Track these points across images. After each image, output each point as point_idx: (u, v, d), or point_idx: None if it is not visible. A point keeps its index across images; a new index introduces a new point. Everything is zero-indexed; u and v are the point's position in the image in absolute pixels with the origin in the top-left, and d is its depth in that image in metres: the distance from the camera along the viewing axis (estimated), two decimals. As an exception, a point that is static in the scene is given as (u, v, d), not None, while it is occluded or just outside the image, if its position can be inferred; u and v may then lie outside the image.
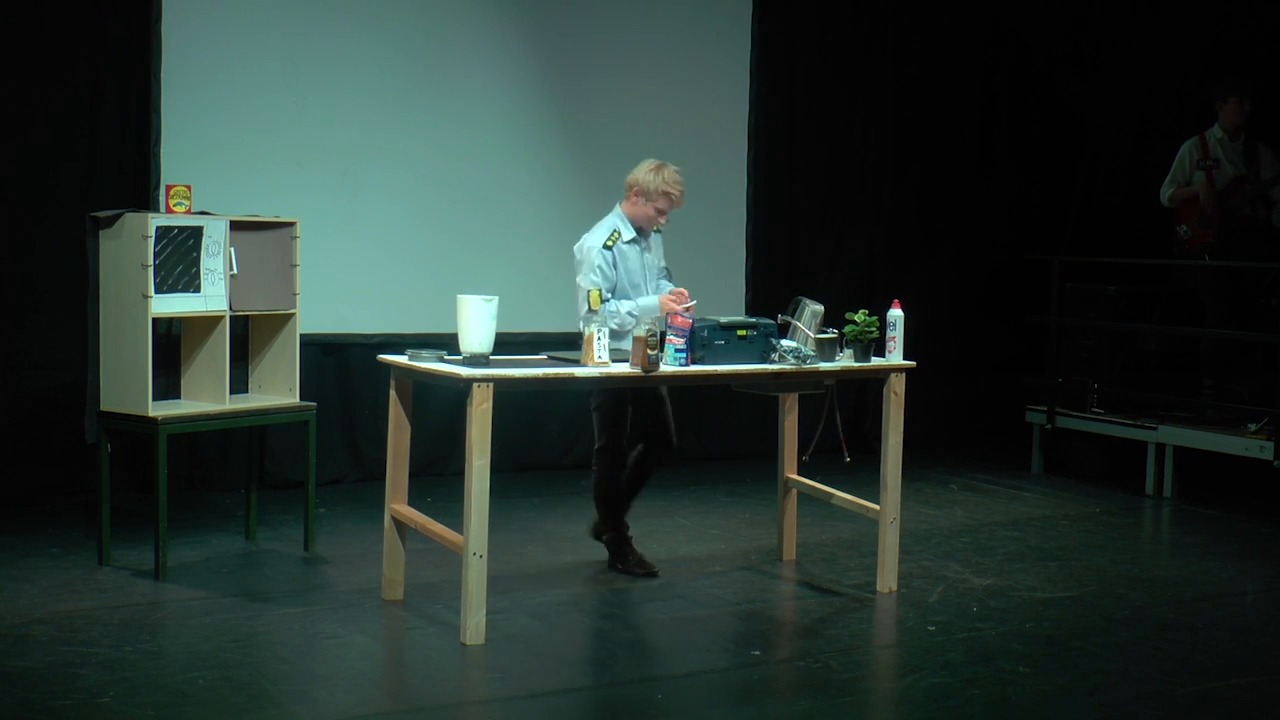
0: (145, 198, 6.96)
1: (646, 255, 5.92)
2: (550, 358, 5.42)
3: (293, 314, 6.17)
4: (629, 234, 5.86)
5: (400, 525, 5.46)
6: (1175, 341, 8.57)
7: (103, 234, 5.78)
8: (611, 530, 6.04)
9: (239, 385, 6.23)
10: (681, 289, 5.77)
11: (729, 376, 5.50)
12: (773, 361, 5.47)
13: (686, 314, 5.44)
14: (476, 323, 5.04)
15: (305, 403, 6.24)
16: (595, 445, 5.98)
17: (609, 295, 5.71)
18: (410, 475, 5.54)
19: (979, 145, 9.67)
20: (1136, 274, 8.87)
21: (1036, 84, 9.77)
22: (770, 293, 8.48)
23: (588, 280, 5.72)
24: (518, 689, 4.59)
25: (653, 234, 5.97)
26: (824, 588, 5.92)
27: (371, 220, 7.62)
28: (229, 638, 4.95)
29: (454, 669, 4.78)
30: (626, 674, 4.81)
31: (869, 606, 5.66)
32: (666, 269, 6.07)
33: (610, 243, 5.79)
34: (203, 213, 5.93)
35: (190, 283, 5.75)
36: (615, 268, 5.80)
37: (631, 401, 5.88)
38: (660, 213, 5.85)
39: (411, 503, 5.52)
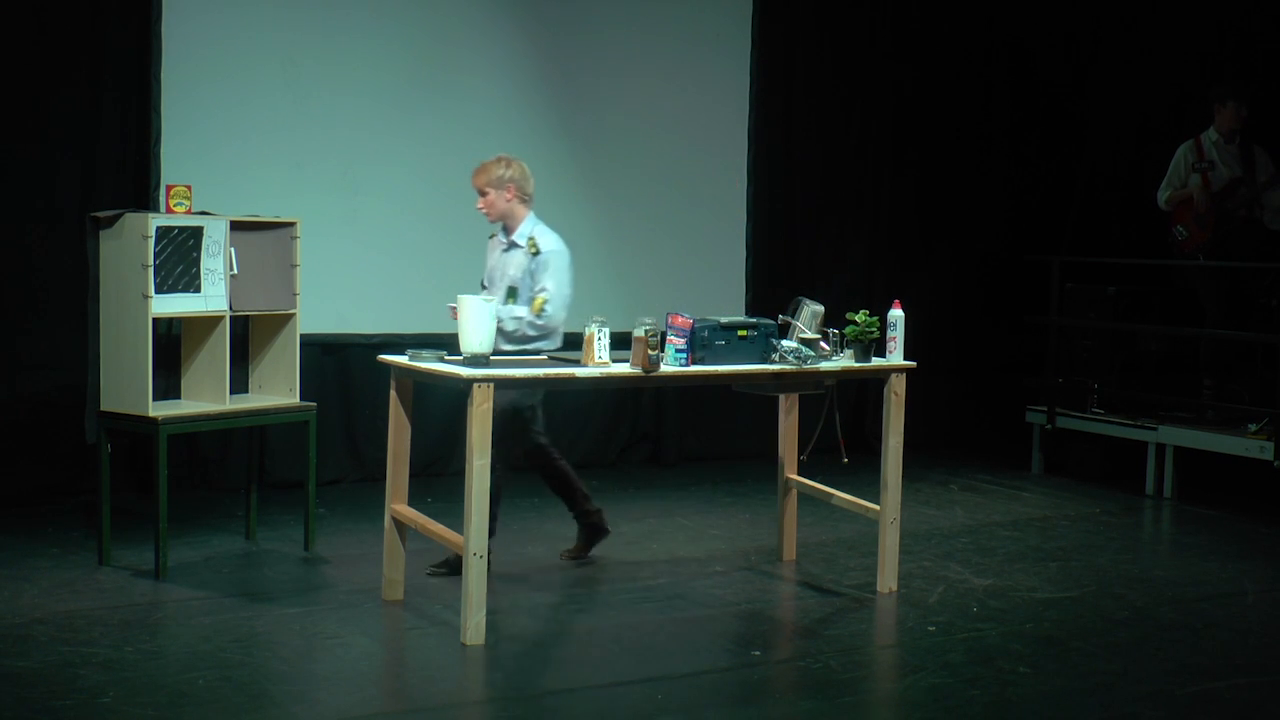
0: (145, 198, 6.96)
1: (504, 255, 5.93)
2: (550, 358, 5.42)
3: (293, 314, 6.17)
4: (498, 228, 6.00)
5: (400, 525, 5.46)
6: (1175, 342, 8.56)
7: (103, 234, 5.78)
8: (594, 507, 6.18)
9: (239, 385, 6.24)
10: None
11: (729, 377, 5.50)
12: (773, 362, 5.47)
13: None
14: (476, 323, 5.04)
15: (305, 403, 6.25)
16: (541, 442, 6.03)
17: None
18: (410, 475, 5.54)
19: (979, 145, 9.66)
20: (1136, 274, 8.87)
21: (1036, 84, 9.77)
22: (770, 293, 8.48)
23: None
24: (518, 689, 4.59)
25: (520, 247, 5.87)
26: (824, 588, 5.91)
27: (371, 220, 7.61)
28: (229, 638, 4.95)
29: (454, 669, 4.78)
30: (626, 674, 4.81)
31: (869, 606, 5.66)
32: (515, 287, 5.84)
33: (494, 233, 6.01)
34: (203, 213, 5.93)
35: (190, 283, 5.75)
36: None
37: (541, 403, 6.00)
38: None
39: (411, 503, 5.52)
